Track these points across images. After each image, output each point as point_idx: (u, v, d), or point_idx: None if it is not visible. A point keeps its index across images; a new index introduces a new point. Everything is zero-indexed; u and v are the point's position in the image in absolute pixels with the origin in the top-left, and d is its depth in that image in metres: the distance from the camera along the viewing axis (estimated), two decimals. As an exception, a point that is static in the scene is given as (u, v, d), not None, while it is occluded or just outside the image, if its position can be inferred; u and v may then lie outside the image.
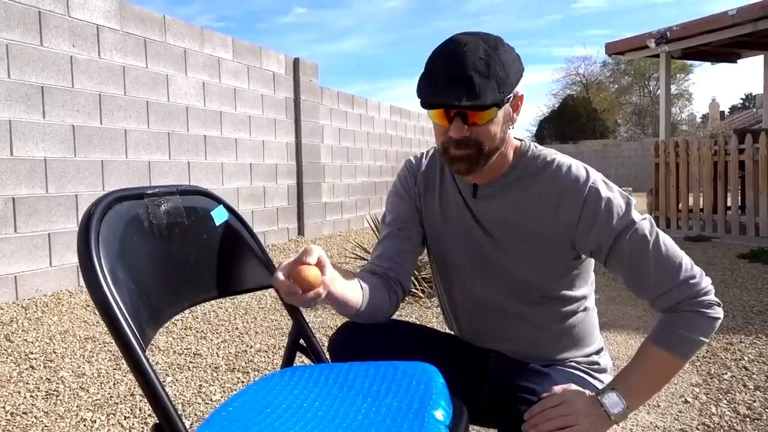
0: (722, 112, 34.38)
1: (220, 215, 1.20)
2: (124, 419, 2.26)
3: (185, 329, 3.48)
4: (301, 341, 1.29)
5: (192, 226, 1.12)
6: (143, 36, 5.10)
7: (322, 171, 8.16)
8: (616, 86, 36.39)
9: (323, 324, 3.57)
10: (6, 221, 3.95)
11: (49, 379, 2.65)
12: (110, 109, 4.74)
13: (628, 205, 1.22)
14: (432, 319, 3.63)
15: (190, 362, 2.91)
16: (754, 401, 2.35)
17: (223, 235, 1.20)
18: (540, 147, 1.32)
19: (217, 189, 6.03)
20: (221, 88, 6.15)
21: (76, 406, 2.37)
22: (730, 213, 7.29)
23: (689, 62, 25.28)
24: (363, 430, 0.90)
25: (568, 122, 29.56)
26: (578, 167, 1.26)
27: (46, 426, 2.20)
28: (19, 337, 3.25)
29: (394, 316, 1.39)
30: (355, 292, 1.21)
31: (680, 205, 7.77)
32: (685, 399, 2.40)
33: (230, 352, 3.06)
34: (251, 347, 3.15)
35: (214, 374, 2.74)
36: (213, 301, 3.79)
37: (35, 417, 2.27)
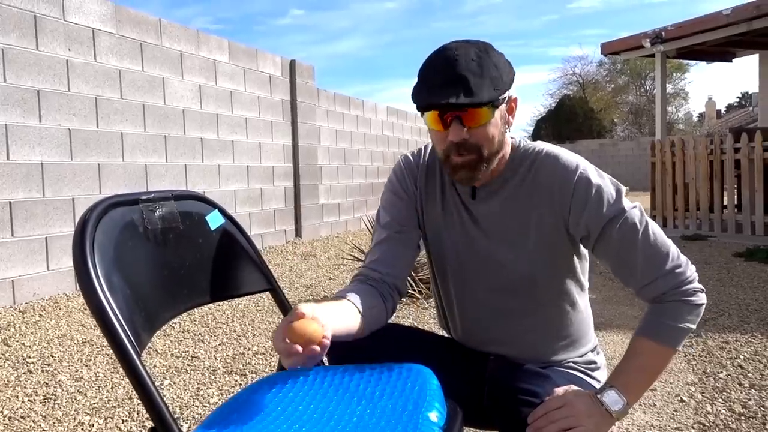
0: (719, 111, 34.48)
1: (215, 220, 1.21)
2: (122, 423, 2.26)
3: (183, 332, 3.49)
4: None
5: (187, 231, 1.12)
6: (139, 39, 5.11)
7: (319, 173, 8.16)
8: (613, 86, 36.43)
9: (321, 326, 3.57)
10: (3, 225, 3.95)
11: (46, 383, 2.66)
12: (106, 112, 4.74)
13: (618, 192, 1.24)
14: (429, 320, 3.64)
15: (188, 365, 2.91)
16: (750, 400, 2.36)
17: (218, 240, 1.21)
18: (528, 141, 1.33)
19: (213, 191, 6.03)
20: (217, 91, 6.15)
21: (74, 410, 2.37)
22: (726, 212, 7.31)
23: (685, 61, 25.33)
24: (358, 433, 0.91)
25: (565, 122, 29.61)
26: (568, 156, 1.27)
27: (44, 430, 2.20)
28: (17, 341, 3.26)
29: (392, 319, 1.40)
30: (354, 325, 1.18)
31: (677, 204, 7.80)
32: (681, 398, 2.41)
33: (228, 355, 3.07)
34: (249, 350, 3.15)
35: (212, 377, 2.75)
36: (210, 304, 3.81)
37: (33, 421, 2.28)
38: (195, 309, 3.85)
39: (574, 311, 1.36)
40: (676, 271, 1.20)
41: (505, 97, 1.20)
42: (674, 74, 32.12)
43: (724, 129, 19.91)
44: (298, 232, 7.65)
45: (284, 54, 7.43)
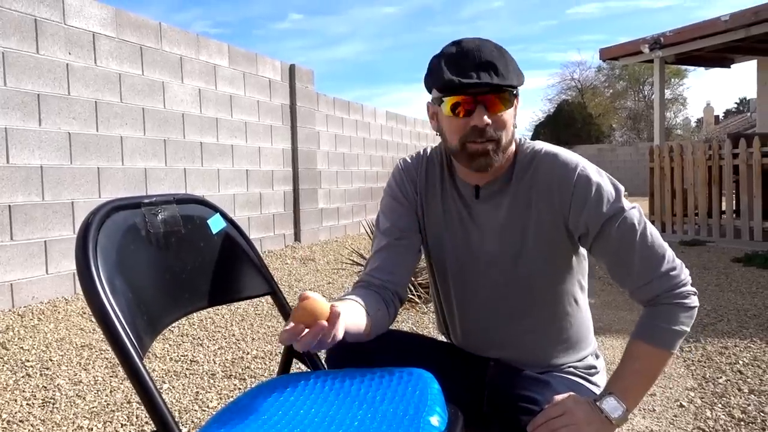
0: (717, 117, 34.59)
1: (216, 224, 1.21)
2: (121, 427, 2.26)
3: (182, 336, 3.48)
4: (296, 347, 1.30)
5: (189, 235, 1.13)
6: (139, 43, 5.12)
7: (318, 177, 8.17)
8: (611, 91, 36.49)
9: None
10: (2, 229, 3.94)
11: (45, 387, 2.65)
12: (106, 116, 4.74)
13: (617, 191, 1.25)
14: (428, 325, 3.64)
15: (187, 369, 2.91)
16: (749, 405, 2.36)
17: (219, 244, 1.21)
18: (528, 141, 1.34)
19: (213, 195, 6.03)
20: (217, 95, 6.16)
21: (73, 414, 2.37)
22: (724, 217, 7.32)
23: (683, 67, 25.41)
24: (359, 437, 0.91)
25: (564, 127, 29.64)
26: (567, 154, 1.28)
27: (42, 434, 2.20)
28: (15, 345, 3.25)
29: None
30: (362, 324, 1.17)
31: (675, 210, 7.81)
32: (681, 403, 2.41)
33: (227, 359, 3.07)
34: (248, 354, 3.15)
35: (211, 381, 2.74)
36: (209, 308, 3.81)
37: (31, 425, 2.27)
38: (195, 313, 3.85)
39: (573, 313, 1.37)
40: (671, 273, 1.21)
41: (518, 91, 1.24)
42: (672, 80, 32.20)
43: (723, 134, 19.95)
44: (297, 237, 7.64)
45: (284, 58, 7.46)
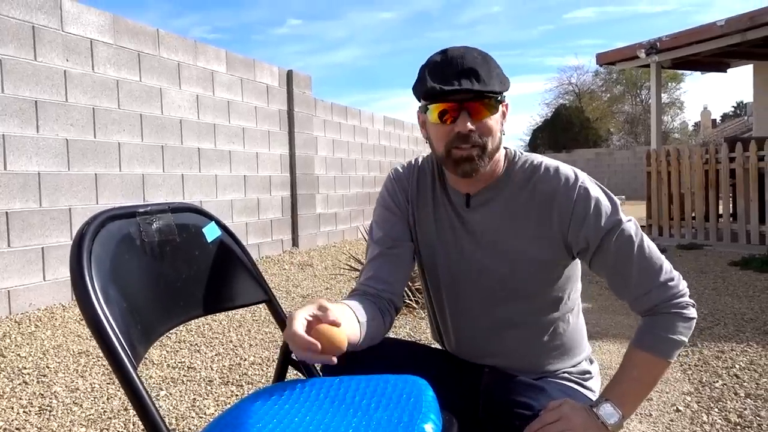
0: (714, 120, 34.63)
1: (211, 232, 1.21)
2: (118, 434, 2.26)
3: (179, 342, 3.48)
4: (293, 355, 1.30)
5: (184, 244, 1.13)
6: (137, 50, 5.13)
7: (316, 182, 8.18)
8: (608, 95, 36.60)
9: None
10: (-1, 236, 3.95)
11: (42, 395, 2.65)
12: (104, 122, 4.75)
13: (614, 204, 1.26)
14: (426, 331, 3.64)
15: (184, 376, 2.91)
16: (745, 409, 2.36)
17: (214, 252, 1.21)
18: (525, 153, 1.35)
19: (210, 201, 6.03)
20: (215, 101, 6.17)
21: (70, 422, 2.37)
22: (721, 221, 7.34)
23: (680, 71, 25.47)
24: (353, 444, 0.91)
25: (561, 131, 29.71)
26: (566, 168, 1.29)
27: (39, 442, 2.20)
28: (12, 351, 3.25)
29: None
30: (354, 331, 1.17)
31: (672, 213, 7.82)
32: (677, 408, 2.42)
33: (224, 366, 3.06)
34: (245, 360, 3.15)
35: (208, 388, 2.74)
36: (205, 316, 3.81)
37: (28, 433, 2.27)
38: (190, 321, 3.85)
39: (567, 319, 1.37)
40: (670, 283, 1.22)
41: (504, 97, 1.25)
42: (669, 84, 32.29)
43: (720, 138, 19.99)
44: (295, 242, 7.65)
45: (281, 64, 7.47)
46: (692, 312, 1.23)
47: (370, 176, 10.06)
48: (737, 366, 2.88)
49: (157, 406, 0.84)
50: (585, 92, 35.94)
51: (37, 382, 2.81)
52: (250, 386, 2.76)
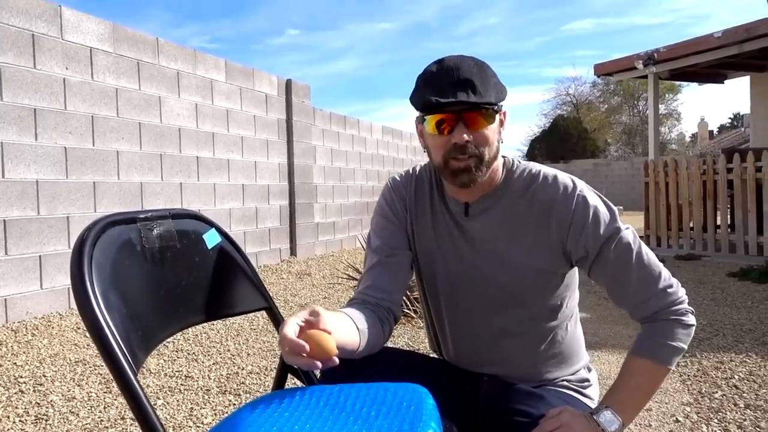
0: (711, 132, 34.73)
1: (212, 238, 1.21)
2: (115, 443, 2.24)
3: (176, 351, 3.46)
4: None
5: (184, 250, 1.13)
6: (136, 58, 5.14)
7: (314, 191, 8.18)
8: (606, 106, 36.70)
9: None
10: (-3, 243, 3.93)
11: (38, 403, 2.63)
12: (102, 130, 4.75)
13: (612, 212, 1.27)
14: (424, 340, 3.63)
15: (182, 385, 2.89)
16: (745, 420, 2.36)
17: (215, 259, 1.21)
18: (523, 161, 1.35)
19: (209, 210, 6.03)
20: (214, 110, 6.18)
21: (66, 431, 2.35)
22: (719, 232, 7.35)
23: (677, 82, 25.60)
24: (353, 453, 0.91)
25: (559, 142, 29.78)
26: (564, 177, 1.29)
27: (35, 451, 2.18)
28: (9, 360, 3.23)
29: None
30: (352, 338, 1.16)
31: (670, 224, 7.83)
32: (677, 418, 2.41)
33: (222, 375, 3.05)
34: (243, 369, 3.13)
35: (206, 397, 2.73)
36: (205, 323, 3.80)
37: (24, 441, 2.25)
38: (190, 328, 3.84)
39: (565, 328, 1.37)
40: (668, 290, 1.22)
41: (501, 105, 1.24)
42: (667, 95, 32.41)
43: (717, 149, 20.06)
44: (293, 251, 7.63)
45: (280, 73, 7.50)
46: (691, 319, 1.23)
47: (368, 185, 10.06)
48: (737, 376, 2.88)
49: (156, 413, 0.83)
50: (583, 103, 36.05)
51: (34, 390, 2.79)
52: (248, 395, 2.74)
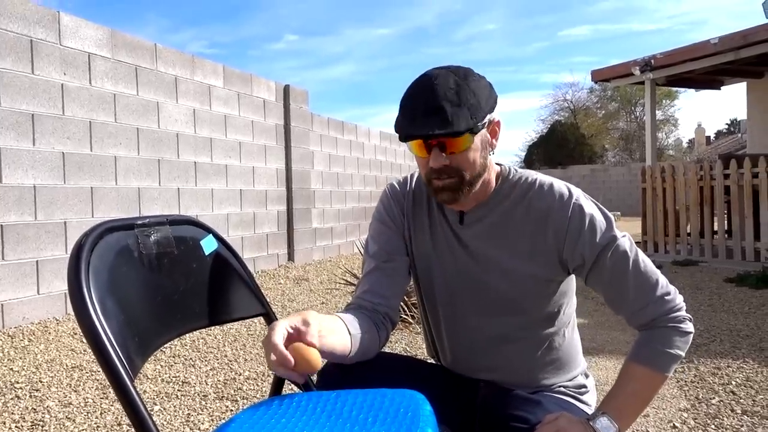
0: (708, 137, 34.89)
1: (209, 244, 1.21)
2: (111, 449, 2.23)
3: (174, 357, 3.46)
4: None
5: (181, 256, 1.13)
6: (134, 64, 5.15)
7: (312, 196, 8.18)
8: (603, 112, 36.79)
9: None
10: (-6, 249, 3.93)
11: (34, 409, 2.62)
12: (100, 136, 4.75)
13: (609, 220, 1.27)
14: (422, 345, 3.63)
15: (179, 390, 2.89)
16: (742, 426, 2.36)
17: (212, 265, 1.21)
18: (519, 169, 1.35)
19: (206, 215, 6.03)
20: (212, 115, 6.19)
21: (62, 437, 2.34)
22: (716, 237, 7.36)
23: (674, 88, 25.69)
24: (350, 459, 0.91)
25: (557, 147, 29.84)
26: (560, 185, 1.30)
27: (31, 457, 2.17)
28: (5, 366, 3.22)
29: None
30: (343, 343, 1.16)
31: (668, 230, 7.85)
32: (674, 424, 2.41)
33: (219, 380, 3.04)
34: (240, 375, 3.13)
35: (203, 403, 2.72)
36: (202, 329, 3.78)
37: (20, 448, 2.24)
38: (187, 334, 3.83)
39: (563, 334, 1.37)
40: (666, 298, 1.22)
41: (485, 122, 1.22)
42: (664, 101, 32.51)
43: (714, 155, 20.13)
44: (290, 256, 7.63)
45: (278, 78, 7.50)
46: (689, 326, 1.23)
47: (366, 191, 10.07)
48: (734, 382, 2.88)
49: (153, 419, 0.83)
50: (580, 109, 36.12)
51: (30, 396, 2.79)
52: (245, 401, 2.74)
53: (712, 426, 2.37)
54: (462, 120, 1.16)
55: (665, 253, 7.81)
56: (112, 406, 2.66)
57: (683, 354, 1.23)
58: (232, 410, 2.63)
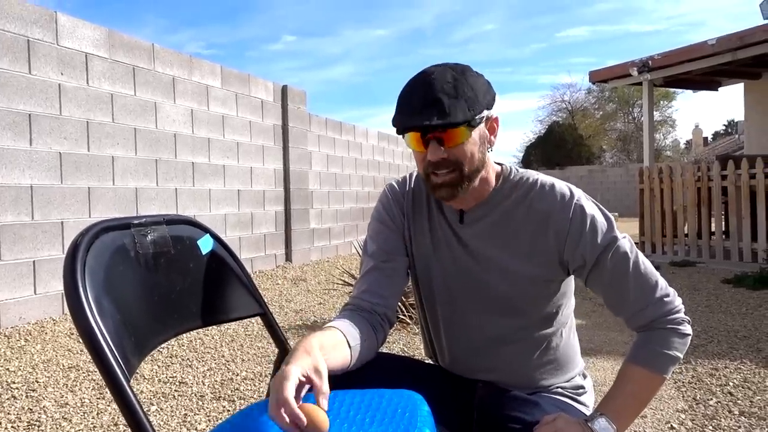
0: (705, 138, 34.96)
1: (206, 244, 1.21)
2: (108, 450, 2.23)
3: (171, 357, 3.45)
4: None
5: (178, 256, 1.12)
6: (132, 64, 5.14)
7: (310, 197, 8.17)
8: (601, 113, 36.85)
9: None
10: (-10, 249, 3.92)
11: (31, 409, 2.62)
12: (98, 136, 4.74)
13: (610, 222, 1.27)
14: (420, 346, 3.63)
15: (176, 391, 2.88)
16: (740, 427, 2.36)
17: (209, 265, 1.20)
18: (520, 169, 1.35)
19: (204, 215, 6.02)
20: (209, 116, 6.18)
21: (59, 437, 2.34)
22: (714, 238, 7.37)
23: (672, 89, 25.72)
24: (347, 460, 0.90)
25: (555, 148, 29.89)
26: (561, 185, 1.29)
27: (27, 458, 2.17)
28: (1, 366, 3.21)
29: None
30: (344, 360, 1.14)
31: (665, 230, 7.85)
32: (671, 425, 2.41)
33: (216, 381, 3.04)
34: (237, 375, 3.12)
35: (200, 403, 2.72)
36: (199, 329, 3.78)
37: (16, 448, 2.24)
38: (184, 334, 3.82)
39: (561, 335, 1.37)
40: (665, 299, 1.22)
41: (482, 117, 1.21)
42: (661, 102, 32.58)
43: (711, 156, 20.17)
44: (288, 257, 7.62)
45: (276, 79, 7.49)
46: (687, 328, 1.23)
47: (364, 191, 10.07)
48: (731, 383, 2.88)
49: (149, 419, 0.82)
50: (578, 110, 36.18)
51: (26, 396, 2.78)
52: (243, 401, 2.73)
53: (710, 427, 2.37)
54: (459, 111, 1.16)
55: (663, 253, 7.81)
56: (108, 406, 2.65)
57: (681, 356, 1.22)
58: (229, 410, 2.62)
